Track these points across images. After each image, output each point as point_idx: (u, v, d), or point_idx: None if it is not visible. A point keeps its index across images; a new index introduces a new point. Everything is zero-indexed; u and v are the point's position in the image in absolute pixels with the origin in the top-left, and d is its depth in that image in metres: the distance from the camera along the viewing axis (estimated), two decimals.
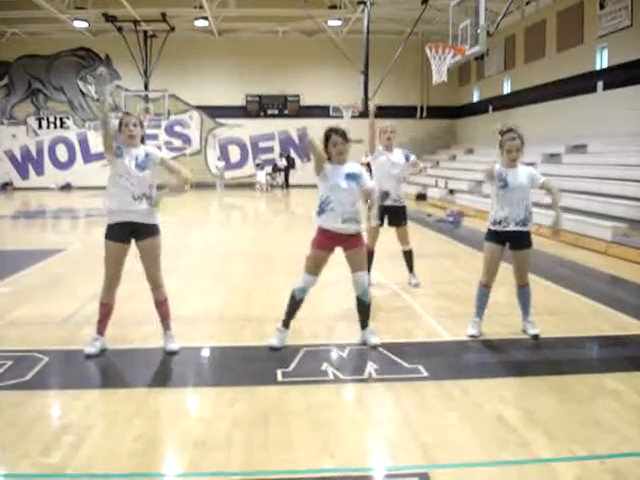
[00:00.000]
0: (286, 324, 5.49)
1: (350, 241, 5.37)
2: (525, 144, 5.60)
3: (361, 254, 5.44)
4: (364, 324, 5.54)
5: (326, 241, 5.35)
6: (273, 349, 5.35)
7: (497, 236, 5.61)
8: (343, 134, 5.31)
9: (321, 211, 5.31)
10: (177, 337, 5.41)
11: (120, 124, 5.18)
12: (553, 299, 6.93)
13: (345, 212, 5.27)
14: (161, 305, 5.38)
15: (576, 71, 19.34)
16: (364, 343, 5.47)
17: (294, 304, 5.46)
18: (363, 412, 4.19)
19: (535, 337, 5.64)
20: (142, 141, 5.29)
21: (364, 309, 5.52)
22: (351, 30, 26.68)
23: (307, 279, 5.40)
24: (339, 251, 5.42)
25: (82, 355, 5.26)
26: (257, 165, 29.69)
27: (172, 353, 5.28)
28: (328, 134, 5.29)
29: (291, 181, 29.80)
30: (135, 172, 5.11)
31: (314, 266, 5.40)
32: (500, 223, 5.57)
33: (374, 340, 5.45)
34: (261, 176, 29.17)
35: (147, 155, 5.20)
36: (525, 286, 5.74)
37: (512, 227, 5.54)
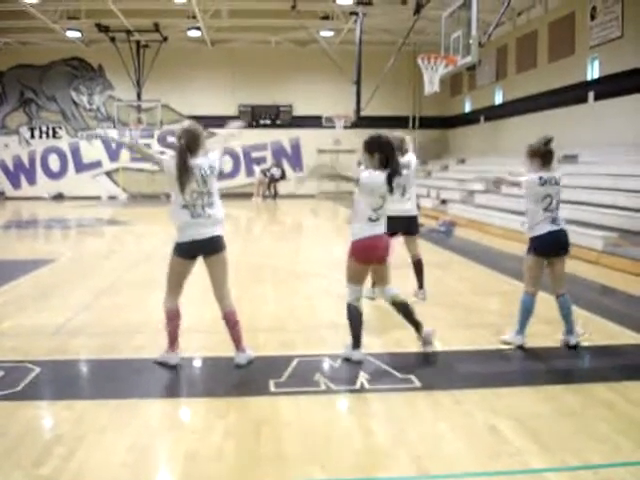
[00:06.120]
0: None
1: None
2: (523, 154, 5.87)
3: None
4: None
5: None
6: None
7: None
8: None
9: None
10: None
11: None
12: (544, 309, 6.93)
13: None
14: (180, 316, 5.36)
15: (567, 81, 19.44)
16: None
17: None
18: (355, 422, 4.18)
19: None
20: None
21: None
22: (343, 40, 26.76)
23: None
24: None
25: (73, 366, 5.23)
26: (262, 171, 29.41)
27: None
28: None
29: (279, 191, 29.64)
30: None
31: None
32: None
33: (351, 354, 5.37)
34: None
35: None
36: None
37: None
